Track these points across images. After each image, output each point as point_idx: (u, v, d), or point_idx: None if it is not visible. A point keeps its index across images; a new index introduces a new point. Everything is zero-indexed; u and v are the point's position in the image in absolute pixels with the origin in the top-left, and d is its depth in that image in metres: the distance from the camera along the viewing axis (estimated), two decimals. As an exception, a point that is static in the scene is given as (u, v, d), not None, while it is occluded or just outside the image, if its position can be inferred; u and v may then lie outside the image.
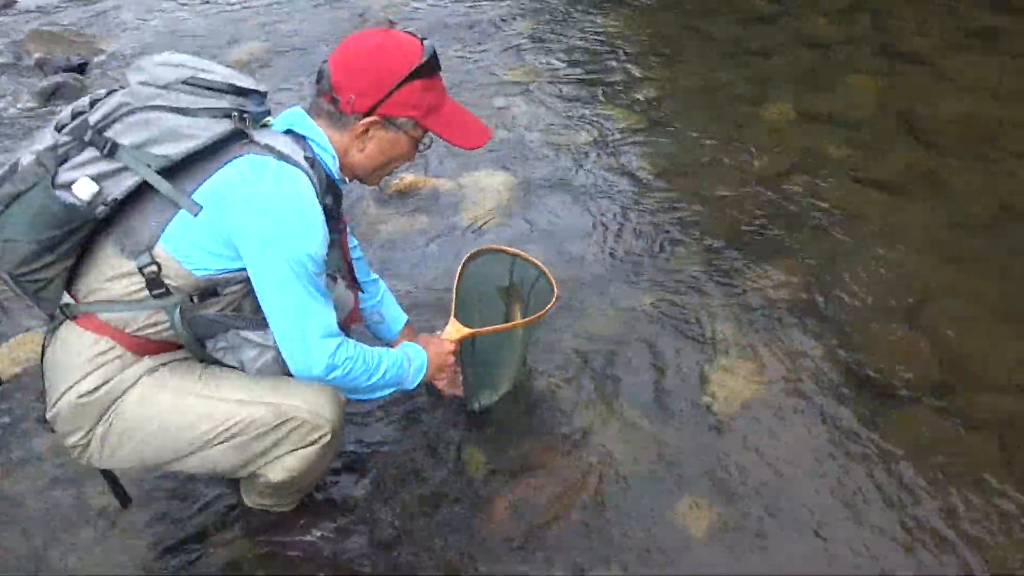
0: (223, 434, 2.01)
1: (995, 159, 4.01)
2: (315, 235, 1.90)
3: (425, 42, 2.05)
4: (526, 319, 2.70)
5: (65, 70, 5.34)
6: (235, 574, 2.38)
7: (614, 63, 5.17)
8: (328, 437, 2.07)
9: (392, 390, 2.27)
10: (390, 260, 3.56)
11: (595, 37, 5.52)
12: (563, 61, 5.21)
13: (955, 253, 3.44)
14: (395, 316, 2.70)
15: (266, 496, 2.24)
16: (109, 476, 2.27)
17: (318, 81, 2.04)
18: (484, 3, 6.13)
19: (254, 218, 1.86)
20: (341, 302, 2.20)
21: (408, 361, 2.28)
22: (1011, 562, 2.35)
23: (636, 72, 5.04)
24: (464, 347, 2.63)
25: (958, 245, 3.49)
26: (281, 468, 2.09)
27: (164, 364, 2.02)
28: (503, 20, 5.82)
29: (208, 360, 2.07)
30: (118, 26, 6.06)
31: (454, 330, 2.52)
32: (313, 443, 2.07)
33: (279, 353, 2.00)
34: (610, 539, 2.45)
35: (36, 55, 5.51)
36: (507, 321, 2.84)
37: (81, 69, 5.40)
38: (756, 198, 3.84)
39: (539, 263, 2.81)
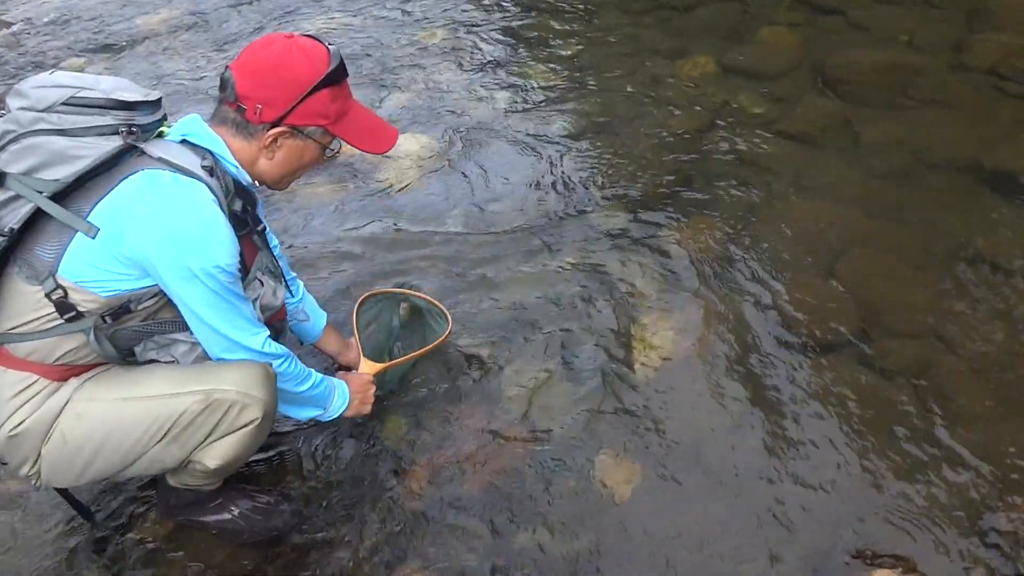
0: (160, 431, 1.98)
1: (909, 108, 4.05)
2: (221, 245, 1.86)
3: (331, 48, 2.02)
4: (426, 348, 2.77)
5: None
6: (154, 554, 2.36)
7: (531, 21, 5.11)
8: (259, 418, 2.04)
9: (316, 412, 2.35)
10: (310, 227, 3.50)
11: (513, -4, 5.44)
12: (478, 21, 5.13)
13: (871, 204, 3.47)
14: (317, 314, 2.70)
15: (196, 477, 2.18)
16: (66, 494, 2.28)
17: (222, 89, 1.99)
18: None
19: (155, 236, 1.81)
20: (270, 304, 2.15)
21: (334, 388, 2.37)
22: (920, 506, 2.40)
23: (554, 29, 4.98)
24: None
25: (874, 196, 3.51)
26: (216, 454, 2.06)
27: (89, 378, 2.00)
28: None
29: (138, 363, 2.05)
30: (20, -4, 5.81)
31: (368, 367, 2.62)
32: (245, 425, 2.04)
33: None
34: (534, 501, 2.45)
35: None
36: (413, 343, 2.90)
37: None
38: (675, 154, 3.83)
39: (428, 298, 2.94)
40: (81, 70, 4.79)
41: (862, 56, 4.41)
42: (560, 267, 3.24)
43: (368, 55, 4.76)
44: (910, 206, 3.45)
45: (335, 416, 2.41)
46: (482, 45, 4.84)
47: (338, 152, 2.16)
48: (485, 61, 4.69)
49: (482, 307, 3.08)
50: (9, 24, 5.45)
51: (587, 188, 3.66)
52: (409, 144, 3.96)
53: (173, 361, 2.05)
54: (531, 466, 2.55)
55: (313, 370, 2.28)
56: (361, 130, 2.11)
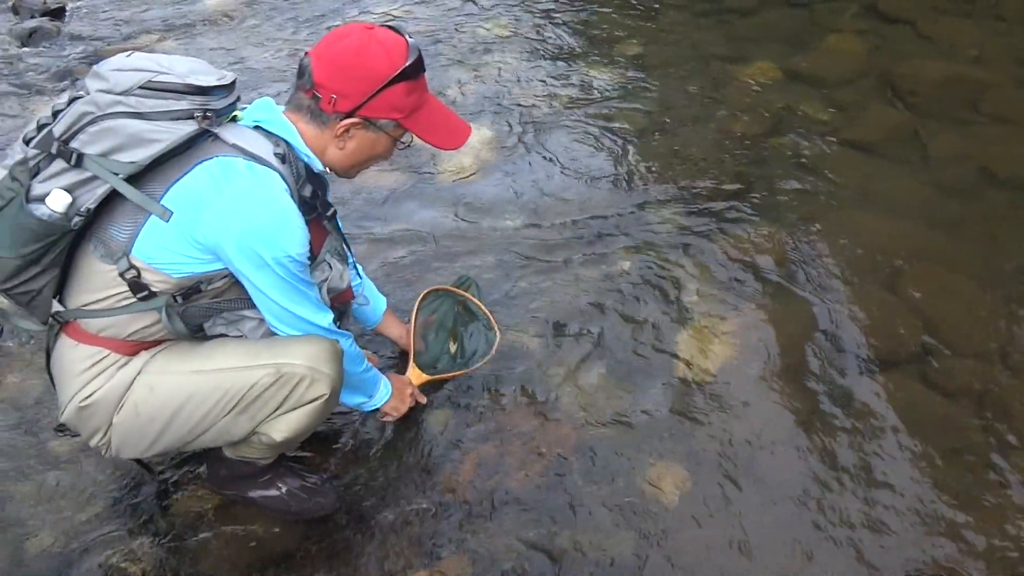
0: (231, 403, 2.02)
1: (975, 123, 3.98)
2: (293, 235, 1.89)
3: (410, 41, 2.00)
4: (471, 368, 2.79)
5: (42, 14, 5.21)
6: (201, 522, 2.39)
7: (594, 21, 5.08)
8: (327, 394, 2.07)
9: (362, 399, 2.44)
10: (370, 212, 3.51)
11: (575, -6, 5.43)
12: (545, 17, 5.10)
13: (935, 218, 3.41)
14: (377, 298, 2.73)
15: (257, 449, 2.20)
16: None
17: (299, 75, 1.99)
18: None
19: (229, 224, 1.84)
20: (336, 287, 2.17)
21: (380, 377, 2.47)
22: (979, 532, 2.35)
23: (618, 30, 4.95)
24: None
25: (938, 210, 3.45)
26: (284, 426, 2.09)
27: (160, 351, 2.04)
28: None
29: (207, 337, 2.09)
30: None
31: (414, 376, 2.68)
32: (313, 400, 2.07)
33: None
34: (579, 500, 2.43)
35: (11, -2, 5.38)
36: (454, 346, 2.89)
37: (57, 14, 5.27)
38: (737, 157, 3.79)
39: (481, 306, 2.96)
40: (153, 47, 4.84)
41: (930, 68, 4.34)
42: (617, 265, 3.22)
43: (432, 43, 4.76)
44: (975, 222, 3.38)
45: (378, 406, 2.48)
46: (546, 39, 4.82)
47: (410, 144, 2.15)
48: (548, 55, 4.67)
49: (536, 302, 3.07)
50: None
51: (647, 187, 3.63)
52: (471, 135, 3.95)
53: (241, 336, 2.09)
54: (578, 465, 2.53)
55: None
56: (434, 125, 2.11)
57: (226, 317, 2.06)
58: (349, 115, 1.97)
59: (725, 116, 4.09)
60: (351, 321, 2.49)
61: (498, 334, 2.86)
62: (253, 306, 2.02)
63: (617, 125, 4.06)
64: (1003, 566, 2.27)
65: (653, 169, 3.75)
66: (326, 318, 2.08)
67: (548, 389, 2.75)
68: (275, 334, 2.06)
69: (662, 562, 2.29)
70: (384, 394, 2.49)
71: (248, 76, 4.49)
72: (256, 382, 2.00)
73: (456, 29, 4.95)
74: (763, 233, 3.35)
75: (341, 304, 2.27)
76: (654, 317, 3.00)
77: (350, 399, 2.39)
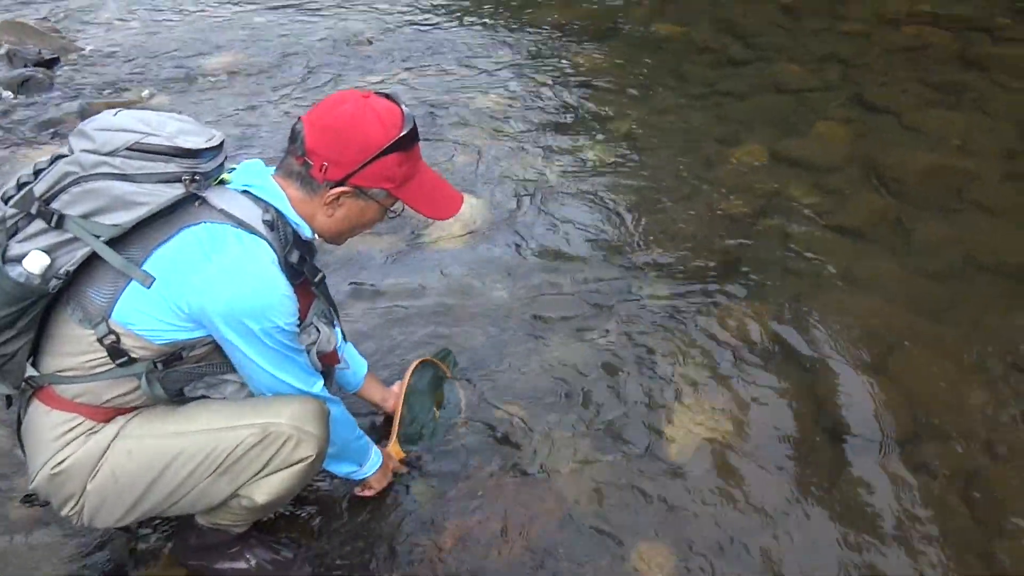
0: (213, 464, 1.97)
1: (960, 211, 4.04)
2: (281, 306, 1.87)
3: (405, 111, 2.00)
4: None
5: (35, 64, 5.27)
6: None
7: (589, 98, 5.19)
8: (313, 456, 2.03)
9: (352, 468, 2.39)
10: (355, 280, 3.51)
11: (572, 71, 5.54)
12: (539, 92, 5.22)
13: (922, 303, 3.45)
14: (358, 361, 2.70)
15: (234, 515, 2.14)
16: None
17: (291, 140, 1.98)
18: (463, 30, 6.16)
19: (216, 294, 1.81)
20: (324, 351, 2.15)
21: (371, 445, 2.43)
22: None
23: (610, 108, 5.06)
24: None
25: (925, 295, 3.50)
26: (268, 488, 2.03)
27: (137, 415, 2.00)
28: (483, 48, 5.84)
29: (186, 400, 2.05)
30: (95, 24, 5.99)
31: (395, 450, 2.64)
32: (298, 462, 2.02)
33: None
34: (566, 578, 2.39)
35: (6, 46, 5.44)
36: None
37: (51, 64, 5.33)
38: (725, 238, 3.84)
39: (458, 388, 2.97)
40: (145, 103, 4.90)
41: (915, 157, 4.44)
42: (603, 340, 3.23)
43: (428, 112, 4.84)
44: (959, 308, 3.42)
45: (367, 475, 2.43)
46: (538, 114, 4.92)
47: (400, 213, 2.14)
48: (540, 130, 4.75)
49: (521, 374, 3.06)
50: (82, 49, 5.61)
51: (635, 263, 3.67)
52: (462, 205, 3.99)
53: (223, 398, 2.05)
54: (562, 543, 2.48)
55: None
56: (425, 195, 2.09)
57: (207, 381, 2.02)
58: (340, 183, 1.96)
59: (716, 196, 4.16)
60: (335, 387, 2.46)
61: (462, 411, 2.88)
62: (235, 369, 1.99)
63: (608, 200, 4.11)
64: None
65: (643, 244, 3.79)
66: (316, 384, 2.06)
67: (533, 464, 2.73)
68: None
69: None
70: (375, 463, 2.44)
71: (239, 136, 4.54)
72: (240, 442, 1.96)
73: (453, 99, 5.05)
74: (751, 312, 3.37)
75: (326, 367, 2.24)
76: (641, 393, 3.00)
77: (339, 467, 2.35)
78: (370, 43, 5.68)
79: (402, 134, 1.96)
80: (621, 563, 2.44)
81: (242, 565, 2.29)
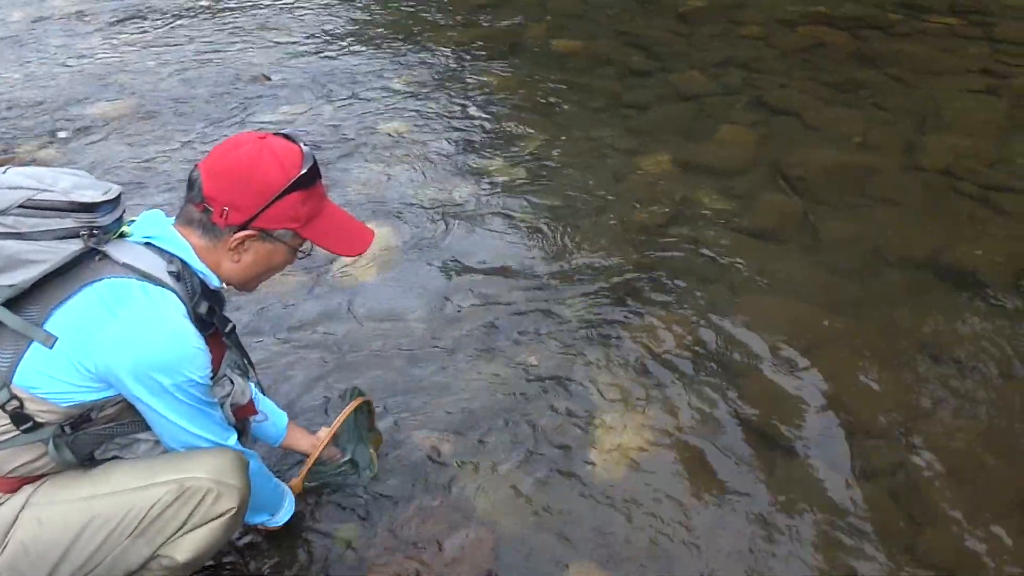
0: (129, 528, 1.87)
1: (866, 206, 4.11)
2: (194, 359, 1.81)
3: (304, 149, 1.96)
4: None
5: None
6: None
7: (494, 117, 5.16)
8: (235, 507, 1.94)
9: (266, 516, 2.35)
10: (265, 321, 3.39)
11: (475, 92, 5.51)
12: (443, 115, 5.16)
13: (833, 301, 3.47)
14: (276, 413, 2.60)
15: None
16: None
17: (189, 188, 1.92)
18: (363, 57, 6.09)
19: (124, 351, 1.74)
20: (238, 403, 2.10)
21: (285, 492, 2.39)
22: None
23: (516, 126, 5.03)
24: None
25: (835, 292, 3.52)
26: (189, 546, 1.93)
27: (45, 482, 1.90)
28: (383, 73, 5.77)
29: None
30: (-28, 78, 5.77)
31: (296, 486, 2.51)
32: (220, 515, 1.93)
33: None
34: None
35: None
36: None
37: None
38: (638, 249, 3.83)
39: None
40: (35, 156, 4.72)
41: (818, 155, 4.50)
42: (522, 362, 3.18)
43: (328, 144, 4.75)
44: (872, 303, 3.46)
45: (280, 524, 2.38)
46: (444, 137, 4.86)
47: (309, 253, 2.08)
48: (447, 153, 4.70)
49: (441, 403, 2.99)
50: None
51: (551, 281, 3.63)
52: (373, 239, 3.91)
53: (135, 457, 1.96)
54: (493, 571, 2.42)
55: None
56: (333, 232, 2.04)
57: (118, 442, 1.93)
58: (243, 227, 1.90)
59: (626, 208, 4.15)
60: (251, 440, 2.35)
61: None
62: (147, 428, 1.91)
63: (520, 219, 4.07)
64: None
65: (558, 262, 3.75)
66: (231, 438, 1.99)
67: (459, 494, 2.66)
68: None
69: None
70: (289, 510, 2.38)
71: (137, 185, 4.39)
72: (157, 500, 1.87)
73: (356, 128, 4.96)
74: (669, 322, 3.36)
75: (241, 421, 2.16)
76: (564, 412, 2.96)
77: (254, 518, 2.29)
78: (267, 79, 5.57)
79: (302, 172, 1.91)
80: (554, 590, 2.38)
81: None
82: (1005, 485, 2.68)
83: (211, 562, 2.37)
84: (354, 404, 2.62)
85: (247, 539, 2.49)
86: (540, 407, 2.98)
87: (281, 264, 2.05)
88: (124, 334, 1.73)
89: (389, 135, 4.88)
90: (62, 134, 4.98)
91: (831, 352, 3.21)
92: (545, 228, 4.01)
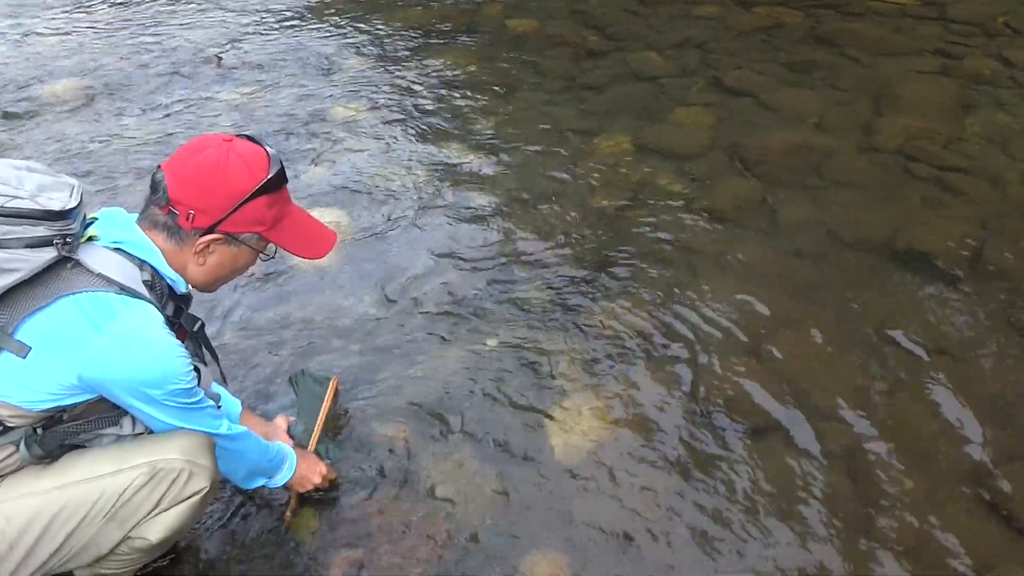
0: (100, 513, 1.87)
1: (822, 188, 4.12)
2: (177, 369, 1.83)
3: (271, 152, 1.97)
4: (324, 405, 2.72)
5: None
6: None
7: (449, 100, 5.09)
8: (207, 487, 1.97)
9: (264, 480, 2.30)
10: (219, 311, 3.32)
11: (429, 75, 5.43)
12: (396, 98, 5.09)
13: (790, 283, 3.48)
14: (229, 401, 2.58)
15: (119, 561, 2.01)
16: None
17: (153, 191, 1.92)
18: (315, 40, 5.97)
19: (113, 367, 1.76)
20: (205, 383, 2.08)
21: (285, 456, 2.34)
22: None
23: (471, 109, 4.97)
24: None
25: (793, 274, 3.53)
26: (161, 526, 1.94)
27: (6, 479, 1.88)
28: (334, 57, 5.67)
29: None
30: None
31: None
32: (192, 495, 1.95)
33: (138, 435, 1.95)
34: (456, 603, 2.30)
35: None
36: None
37: None
38: (596, 232, 3.80)
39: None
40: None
41: (775, 137, 4.50)
42: (480, 347, 3.14)
43: (282, 130, 4.66)
44: (829, 285, 3.47)
45: (280, 484, 2.34)
46: (399, 120, 4.79)
47: (273, 255, 2.09)
48: (402, 137, 4.63)
49: (399, 390, 2.95)
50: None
51: (507, 267, 3.59)
52: (324, 221, 3.83)
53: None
54: (454, 562, 2.40)
55: (268, 442, 2.29)
56: (297, 235, 2.07)
57: (82, 439, 1.91)
58: (209, 231, 1.91)
59: (584, 191, 4.12)
60: None
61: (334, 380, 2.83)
62: (111, 423, 1.91)
63: (476, 204, 4.03)
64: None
65: (515, 247, 3.72)
66: (223, 424, 2.02)
67: (419, 481, 2.63)
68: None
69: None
70: (288, 472, 2.34)
71: (90, 172, 4.27)
72: (128, 484, 1.87)
73: (309, 111, 4.87)
74: (627, 306, 3.34)
75: None
76: (524, 398, 2.93)
77: (253, 483, 2.27)
78: (219, 60, 5.44)
79: (269, 177, 1.94)
80: (516, 574, 2.37)
81: None
82: (959, 465, 2.71)
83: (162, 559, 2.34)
84: (331, 390, 2.73)
85: (206, 525, 2.47)
86: (499, 392, 2.95)
87: (244, 266, 2.07)
88: (112, 351, 1.74)
89: (341, 119, 4.79)
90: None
91: (789, 335, 3.21)
92: (502, 212, 3.96)
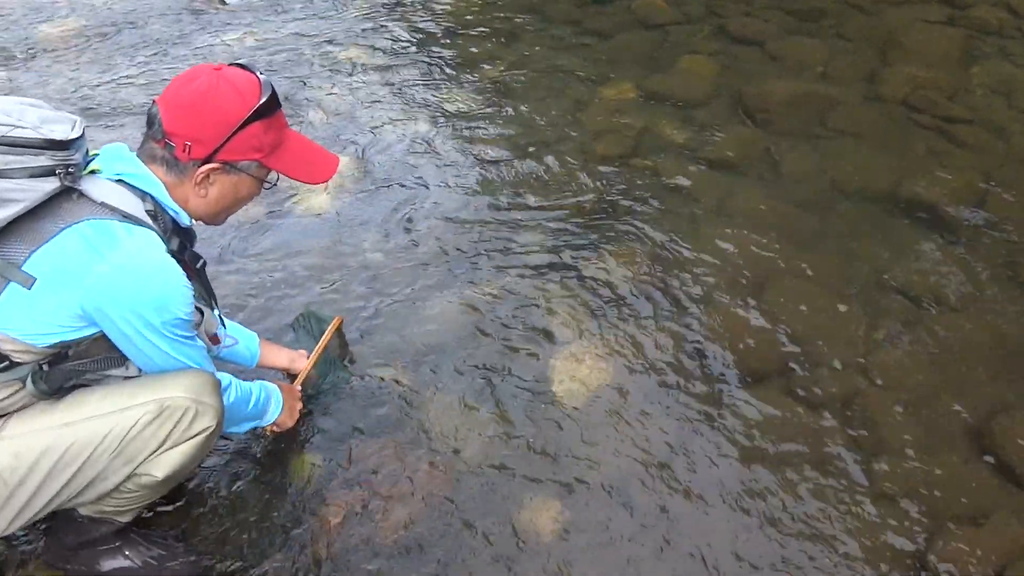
0: (109, 450, 1.89)
1: (826, 137, 4.10)
2: (181, 296, 1.83)
3: (262, 78, 1.97)
4: (322, 341, 2.76)
5: None
6: None
7: (453, 45, 5.04)
8: (213, 426, 1.98)
9: (254, 423, 2.35)
10: (224, 252, 3.34)
11: (434, 19, 5.36)
12: (402, 43, 5.03)
13: (792, 232, 3.48)
14: (245, 335, 2.60)
15: (123, 499, 2.03)
16: None
17: (148, 125, 1.92)
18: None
19: (117, 292, 1.76)
20: (208, 331, 2.12)
21: (270, 395, 2.37)
22: (853, 543, 2.38)
23: (476, 55, 4.92)
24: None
25: (795, 224, 3.53)
26: (167, 463, 1.96)
27: (15, 415, 1.89)
28: (339, 1, 5.60)
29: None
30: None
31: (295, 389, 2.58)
32: (198, 433, 1.96)
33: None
34: (454, 544, 2.35)
35: None
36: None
37: None
38: (598, 180, 3.80)
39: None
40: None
41: (779, 86, 4.46)
42: (481, 294, 3.16)
43: (284, 73, 4.63)
44: (830, 235, 3.48)
45: (270, 422, 2.40)
46: (402, 67, 4.75)
47: (276, 183, 2.09)
48: (405, 83, 4.59)
49: (400, 335, 2.98)
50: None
51: (509, 213, 3.59)
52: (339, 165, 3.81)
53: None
54: (450, 506, 2.44)
55: (248, 382, 2.29)
56: (298, 161, 2.05)
57: (88, 379, 1.93)
58: (207, 160, 1.90)
59: (587, 138, 4.10)
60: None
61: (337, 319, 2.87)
62: (118, 364, 1.93)
63: (479, 150, 4.02)
64: (867, 574, 2.30)
65: (517, 193, 3.72)
66: (211, 368, 2.04)
67: (417, 429, 2.66)
68: None
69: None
70: (276, 409, 2.39)
71: (91, 112, 4.25)
72: (136, 421, 1.88)
73: (313, 55, 4.83)
74: (628, 253, 3.35)
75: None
76: (524, 345, 2.96)
77: (243, 428, 2.33)
78: (224, 3, 5.38)
79: (261, 101, 1.93)
80: (514, 518, 2.42)
81: (122, 562, 2.19)
82: (956, 414, 2.75)
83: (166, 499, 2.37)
84: (333, 326, 2.76)
85: (209, 464, 2.51)
86: (500, 338, 2.98)
87: (247, 196, 2.06)
88: (115, 277, 1.74)
89: (345, 64, 4.75)
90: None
91: (790, 284, 3.23)
92: (505, 159, 3.96)
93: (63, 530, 2.17)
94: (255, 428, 2.39)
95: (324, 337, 2.75)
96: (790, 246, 3.41)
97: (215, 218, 2.07)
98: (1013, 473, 2.56)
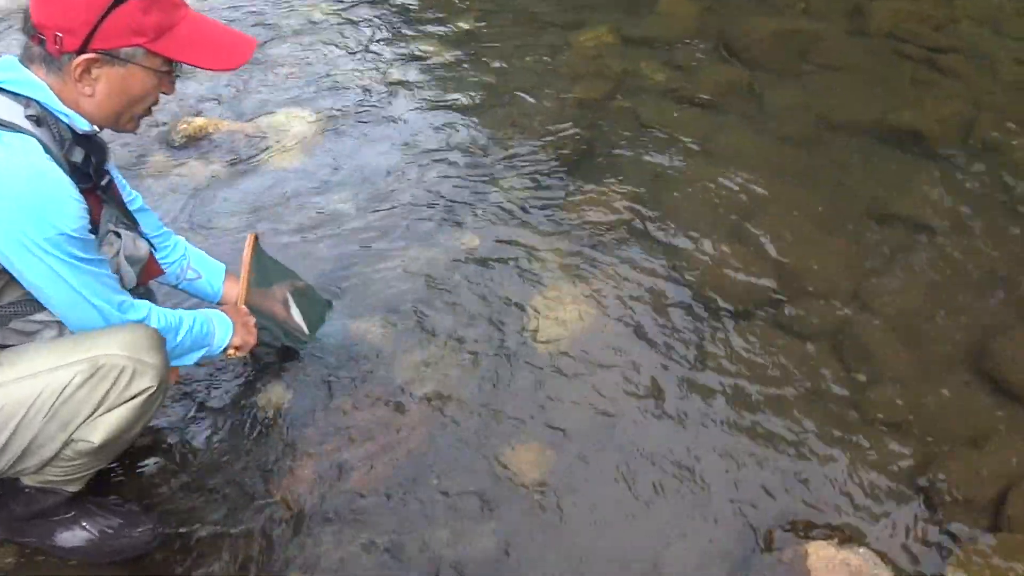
0: (40, 413, 1.72)
1: (810, 73, 4.03)
2: (64, 207, 1.63)
3: None
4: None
5: None
6: None
7: (424, -6, 4.91)
8: (153, 387, 1.79)
9: (202, 351, 2.08)
10: (186, 209, 3.21)
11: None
12: (370, -6, 4.91)
13: (778, 167, 3.40)
14: (212, 268, 2.40)
15: (65, 467, 1.87)
16: None
17: (24, 22, 1.71)
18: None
19: None
20: (134, 255, 1.91)
21: (210, 319, 2.11)
22: (849, 472, 2.32)
23: (447, 3, 4.79)
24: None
25: (781, 159, 3.45)
26: (104, 427, 1.78)
27: None
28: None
29: None
30: None
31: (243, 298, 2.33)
32: (137, 395, 1.78)
33: None
34: (436, 491, 2.25)
35: None
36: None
37: None
38: (577, 123, 3.69)
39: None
40: None
41: (761, 24, 4.36)
42: (459, 241, 3.06)
43: (258, 24, 4.49)
44: (818, 169, 3.40)
45: (223, 347, 2.14)
46: (373, 18, 4.61)
47: (179, 74, 1.85)
48: (376, 35, 4.46)
49: (376, 284, 2.87)
50: None
51: (488, 159, 3.49)
52: (291, 121, 3.69)
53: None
54: (431, 453, 2.34)
55: (180, 310, 2.04)
56: (195, 45, 1.79)
57: (16, 327, 1.77)
58: (81, 51, 1.68)
59: (565, 83, 4.00)
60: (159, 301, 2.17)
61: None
62: (40, 308, 1.76)
63: (455, 98, 3.90)
64: (876, 510, 2.24)
65: (495, 141, 3.61)
66: (126, 301, 1.84)
67: (395, 379, 2.56)
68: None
69: (530, 545, 2.14)
70: (224, 334, 2.14)
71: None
72: (68, 381, 1.71)
73: (276, 10, 4.68)
74: (612, 195, 3.26)
75: (144, 285, 2.02)
76: (504, 291, 2.86)
77: (191, 359, 2.07)
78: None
79: None
80: (494, 464, 2.32)
81: (78, 532, 2.04)
82: (950, 341, 2.69)
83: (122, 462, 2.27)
84: (248, 244, 2.44)
85: (172, 422, 2.40)
86: (479, 284, 2.88)
87: (143, 91, 1.80)
88: None
89: (311, 16, 4.61)
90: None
91: (776, 218, 3.14)
92: (480, 106, 3.85)
93: (9, 501, 2.00)
94: (210, 357, 2.15)
95: (244, 255, 2.42)
96: (776, 180, 3.32)
97: (116, 121, 1.83)
98: (1012, 392, 2.49)
